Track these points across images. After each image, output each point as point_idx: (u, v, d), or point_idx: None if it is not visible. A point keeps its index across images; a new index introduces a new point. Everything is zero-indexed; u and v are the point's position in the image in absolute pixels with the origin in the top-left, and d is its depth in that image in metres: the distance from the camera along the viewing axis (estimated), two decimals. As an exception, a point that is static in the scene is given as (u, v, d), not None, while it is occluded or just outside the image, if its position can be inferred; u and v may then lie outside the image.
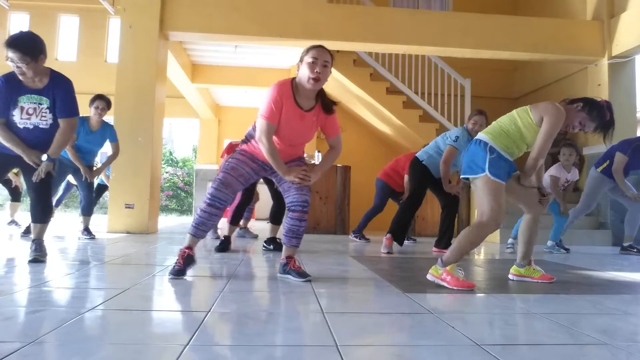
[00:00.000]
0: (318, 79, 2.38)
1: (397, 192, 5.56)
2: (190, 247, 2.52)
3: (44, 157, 2.86)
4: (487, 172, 2.43)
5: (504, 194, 2.48)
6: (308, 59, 2.39)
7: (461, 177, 2.66)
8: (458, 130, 4.12)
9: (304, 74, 2.40)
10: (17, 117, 2.82)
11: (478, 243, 2.46)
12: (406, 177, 5.34)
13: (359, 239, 5.49)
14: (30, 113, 2.83)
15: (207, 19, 5.81)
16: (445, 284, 2.40)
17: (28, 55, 2.68)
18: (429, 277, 2.50)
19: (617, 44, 6.14)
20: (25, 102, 2.82)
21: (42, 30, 10.45)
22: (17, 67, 2.70)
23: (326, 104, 2.53)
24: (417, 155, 4.35)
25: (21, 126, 2.84)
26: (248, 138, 2.67)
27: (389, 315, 1.82)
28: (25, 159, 2.85)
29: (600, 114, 2.52)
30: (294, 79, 2.48)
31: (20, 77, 2.77)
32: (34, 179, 2.83)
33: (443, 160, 4.05)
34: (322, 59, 2.39)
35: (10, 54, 2.67)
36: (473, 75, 7.56)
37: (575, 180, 4.79)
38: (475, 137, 2.61)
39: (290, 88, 2.45)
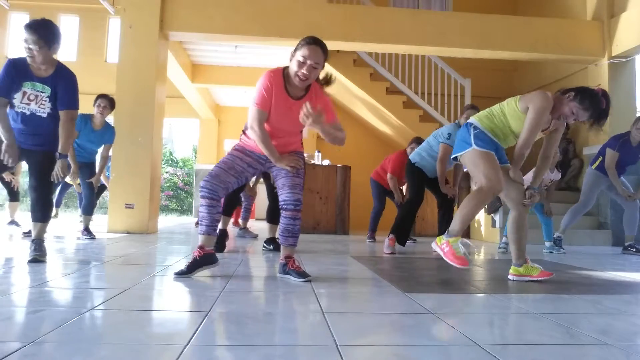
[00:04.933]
0: (304, 80, 2.39)
1: (389, 191, 5.59)
2: (202, 247, 2.52)
3: (57, 155, 2.88)
4: (473, 145, 2.50)
5: (496, 161, 2.52)
6: (299, 56, 2.36)
7: (451, 157, 2.72)
8: (449, 127, 4.10)
9: (292, 68, 2.39)
10: (17, 100, 2.84)
11: (479, 210, 2.52)
12: (389, 176, 5.44)
13: (369, 239, 5.53)
14: (31, 99, 2.85)
15: (207, 19, 5.81)
16: (441, 254, 2.47)
17: (42, 40, 2.73)
18: (432, 244, 2.58)
19: (617, 44, 6.14)
20: (29, 87, 2.84)
21: (42, 30, 10.33)
22: (29, 49, 2.73)
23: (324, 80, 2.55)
24: (410, 157, 4.34)
25: (18, 110, 2.85)
26: (244, 131, 2.69)
27: (389, 315, 1.82)
28: (3, 145, 2.80)
29: (594, 102, 2.48)
30: (286, 67, 2.48)
31: (29, 60, 2.79)
32: (55, 180, 2.87)
33: (439, 159, 4.04)
34: (313, 61, 2.35)
35: (26, 36, 2.72)
36: (473, 75, 7.55)
37: (558, 180, 4.81)
38: (466, 121, 2.68)
39: (281, 76, 2.45)
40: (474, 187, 5.45)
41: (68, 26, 10.08)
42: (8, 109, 2.85)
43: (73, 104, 2.97)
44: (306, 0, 6.01)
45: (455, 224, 2.49)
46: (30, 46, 2.72)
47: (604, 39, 6.30)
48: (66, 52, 9.92)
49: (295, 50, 2.39)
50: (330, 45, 5.84)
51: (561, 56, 6.42)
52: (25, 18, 9.92)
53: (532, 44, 6.26)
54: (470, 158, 2.51)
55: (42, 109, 2.89)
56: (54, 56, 2.89)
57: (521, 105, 2.52)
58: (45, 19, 2.85)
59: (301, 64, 2.35)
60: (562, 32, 6.31)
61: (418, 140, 5.38)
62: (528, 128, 2.48)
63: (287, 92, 2.46)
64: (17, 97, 2.84)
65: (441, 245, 2.48)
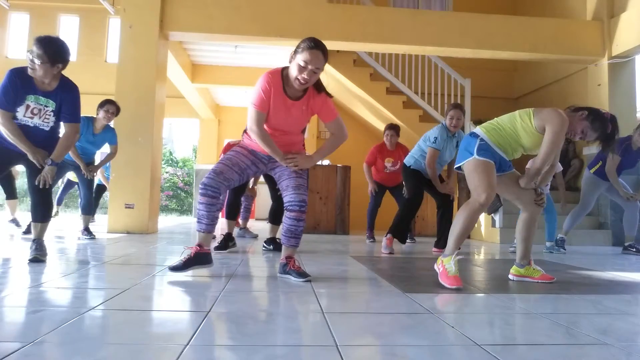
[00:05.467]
0: (304, 84, 2.39)
1: (388, 187, 5.57)
2: (200, 245, 2.52)
3: (48, 161, 2.86)
4: (475, 154, 2.48)
5: (493, 173, 2.50)
6: (300, 60, 2.34)
7: (455, 168, 2.71)
8: (436, 130, 4.19)
9: (292, 72, 2.39)
10: (20, 113, 2.83)
11: (472, 226, 2.50)
12: (364, 165, 5.58)
13: (369, 239, 5.52)
14: (34, 113, 2.85)
15: (207, 19, 5.81)
16: (438, 274, 2.49)
17: (47, 56, 2.71)
18: (434, 266, 2.59)
19: (617, 44, 6.14)
20: (33, 101, 2.83)
21: (42, 30, 10.39)
22: (31, 61, 2.73)
23: (318, 85, 2.52)
24: (404, 161, 4.45)
25: (21, 123, 2.84)
26: (245, 130, 2.70)
27: (389, 315, 1.82)
28: (30, 157, 2.85)
29: (603, 126, 2.52)
30: (285, 68, 2.48)
31: (29, 72, 2.78)
32: (40, 185, 2.83)
33: (427, 163, 4.14)
34: (313, 66, 2.34)
35: (34, 47, 2.72)
36: (473, 75, 7.55)
37: (560, 171, 4.79)
38: (472, 130, 2.65)
39: (280, 77, 2.45)
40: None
41: (68, 26, 10.08)
42: None
43: (77, 117, 2.99)
44: (306, 0, 6.00)
45: (449, 244, 2.49)
46: (34, 58, 2.72)
47: (604, 39, 6.30)
48: (66, 52, 9.92)
49: (296, 52, 2.38)
50: (330, 45, 5.88)
51: (561, 56, 6.42)
52: (25, 18, 9.93)
53: (532, 44, 6.26)
54: (469, 167, 2.50)
55: (46, 122, 2.90)
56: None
57: (537, 123, 2.49)
58: (58, 37, 2.85)
59: (302, 69, 2.35)
60: (562, 32, 6.31)
61: (391, 127, 5.46)
62: (546, 150, 2.47)
63: (285, 93, 2.46)
64: (19, 111, 2.83)
65: (439, 266, 2.50)
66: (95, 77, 9.07)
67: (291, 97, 2.48)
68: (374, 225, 5.66)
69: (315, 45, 2.35)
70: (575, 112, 2.58)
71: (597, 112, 2.57)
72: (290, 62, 2.42)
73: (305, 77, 2.35)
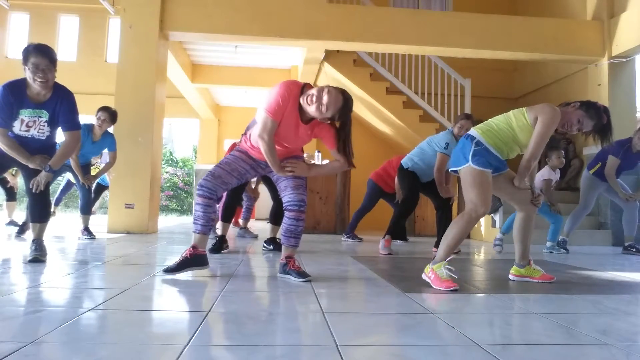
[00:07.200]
0: (309, 105, 2.35)
1: (387, 193, 5.53)
2: (195, 246, 2.51)
3: (46, 167, 2.85)
4: (470, 162, 2.46)
5: (490, 183, 2.49)
6: (316, 93, 2.35)
7: (450, 170, 2.69)
8: (447, 136, 4.08)
9: (308, 92, 2.37)
10: (15, 128, 2.84)
11: (465, 236, 2.49)
12: (396, 179, 5.38)
13: (352, 239, 5.49)
14: (29, 126, 2.85)
15: (207, 19, 5.81)
16: (430, 282, 2.44)
17: (52, 63, 2.71)
18: (423, 275, 2.53)
19: (617, 44, 6.14)
20: (27, 115, 2.82)
21: (42, 30, 10.39)
22: (41, 71, 2.68)
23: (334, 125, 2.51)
24: (402, 162, 4.34)
25: (20, 135, 2.86)
26: (245, 132, 2.68)
27: (389, 315, 1.82)
28: (31, 166, 2.87)
29: (598, 114, 2.52)
30: (306, 84, 2.44)
31: (39, 87, 2.74)
32: (33, 189, 2.83)
33: (437, 169, 4.03)
34: (325, 103, 2.33)
35: (36, 60, 2.66)
36: (473, 75, 7.55)
37: (557, 180, 4.79)
38: (467, 132, 2.64)
39: (299, 91, 2.41)
40: None
41: (68, 26, 10.07)
42: None
43: (76, 125, 2.98)
44: (306, 0, 6.00)
45: (440, 252, 2.47)
46: (44, 68, 2.68)
47: (604, 39, 6.30)
48: (66, 52, 9.93)
49: (322, 87, 2.39)
50: (330, 45, 5.84)
51: (561, 56, 6.42)
52: (25, 18, 9.91)
53: (532, 44, 6.25)
54: (465, 175, 2.49)
55: (42, 133, 2.90)
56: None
57: (530, 117, 2.50)
58: (40, 43, 2.79)
59: (315, 98, 2.34)
60: (562, 32, 6.31)
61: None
62: (536, 140, 2.46)
63: (300, 111, 2.43)
64: (15, 126, 2.83)
65: (428, 274, 2.47)
66: (95, 77, 9.06)
67: (302, 118, 2.45)
68: (356, 226, 5.59)
69: (341, 93, 2.39)
70: (568, 105, 2.59)
71: (589, 101, 2.58)
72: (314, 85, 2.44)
73: (314, 102, 2.33)
